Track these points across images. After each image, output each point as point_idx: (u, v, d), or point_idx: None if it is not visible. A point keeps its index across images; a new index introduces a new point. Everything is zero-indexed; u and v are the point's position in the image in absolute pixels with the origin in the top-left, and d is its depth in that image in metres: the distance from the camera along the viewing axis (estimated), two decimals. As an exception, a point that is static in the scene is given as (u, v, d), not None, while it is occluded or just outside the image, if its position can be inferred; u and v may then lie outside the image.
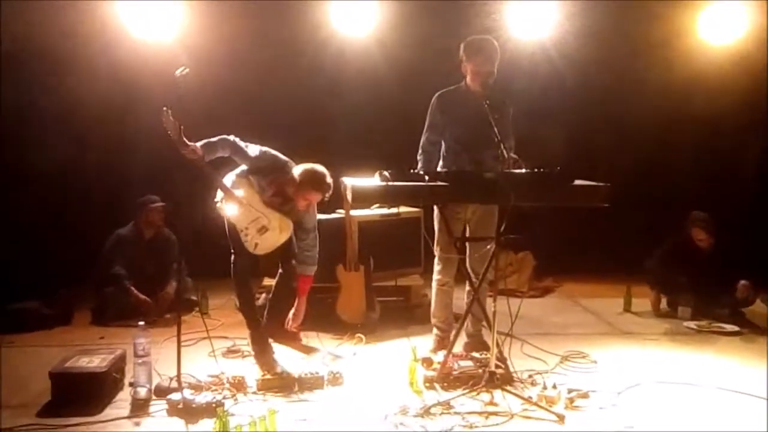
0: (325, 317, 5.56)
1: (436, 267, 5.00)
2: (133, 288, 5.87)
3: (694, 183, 7.50)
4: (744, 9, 6.58)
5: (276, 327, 5.22)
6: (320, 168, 4.72)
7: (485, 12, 6.43)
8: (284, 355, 4.94)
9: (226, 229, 4.86)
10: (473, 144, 4.74)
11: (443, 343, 4.90)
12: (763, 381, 4.48)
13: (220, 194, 4.83)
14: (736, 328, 5.67)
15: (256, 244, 4.81)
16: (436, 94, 4.89)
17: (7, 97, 6.32)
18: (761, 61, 6.81)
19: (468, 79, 4.79)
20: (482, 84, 4.67)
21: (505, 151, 4.21)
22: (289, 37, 6.81)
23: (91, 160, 7.03)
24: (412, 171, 4.16)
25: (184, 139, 4.26)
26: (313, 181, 4.68)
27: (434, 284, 5.03)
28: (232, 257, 4.89)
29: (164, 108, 4.15)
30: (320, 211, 5.30)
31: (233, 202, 4.69)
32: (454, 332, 4.69)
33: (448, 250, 4.78)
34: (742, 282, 5.87)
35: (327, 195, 4.74)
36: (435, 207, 4.80)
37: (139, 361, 4.11)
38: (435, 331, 5.09)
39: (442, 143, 4.90)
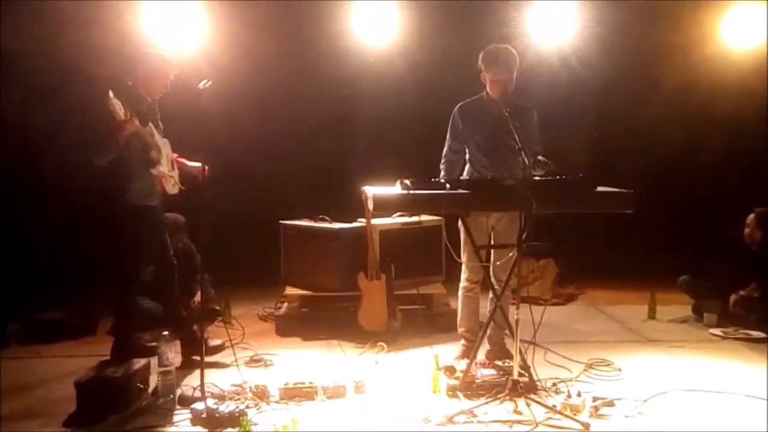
0: (347, 326, 5.57)
1: (463, 276, 4.98)
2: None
3: (718, 189, 7.42)
4: (766, 11, 6.51)
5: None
6: (145, 52, 4.88)
7: (506, 20, 6.43)
8: (307, 363, 4.96)
9: (145, 226, 4.84)
10: (495, 153, 4.73)
11: (470, 352, 4.83)
12: (792, 389, 4.41)
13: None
14: (763, 335, 5.59)
15: (172, 176, 4.98)
16: (457, 106, 4.91)
17: (29, 112, 6.40)
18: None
19: (488, 88, 4.79)
20: (501, 93, 4.67)
21: (526, 159, 4.20)
22: (311, 47, 6.84)
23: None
24: (433, 179, 4.15)
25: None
26: (157, 65, 4.82)
27: (461, 294, 5.01)
28: (144, 259, 4.98)
29: (109, 92, 4.23)
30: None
31: (156, 156, 4.75)
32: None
33: (473, 259, 4.73)
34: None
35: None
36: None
37: (163, 370, 4.15)
38: (462, 341, 5.05)
39: (466, 152, 4.91)
